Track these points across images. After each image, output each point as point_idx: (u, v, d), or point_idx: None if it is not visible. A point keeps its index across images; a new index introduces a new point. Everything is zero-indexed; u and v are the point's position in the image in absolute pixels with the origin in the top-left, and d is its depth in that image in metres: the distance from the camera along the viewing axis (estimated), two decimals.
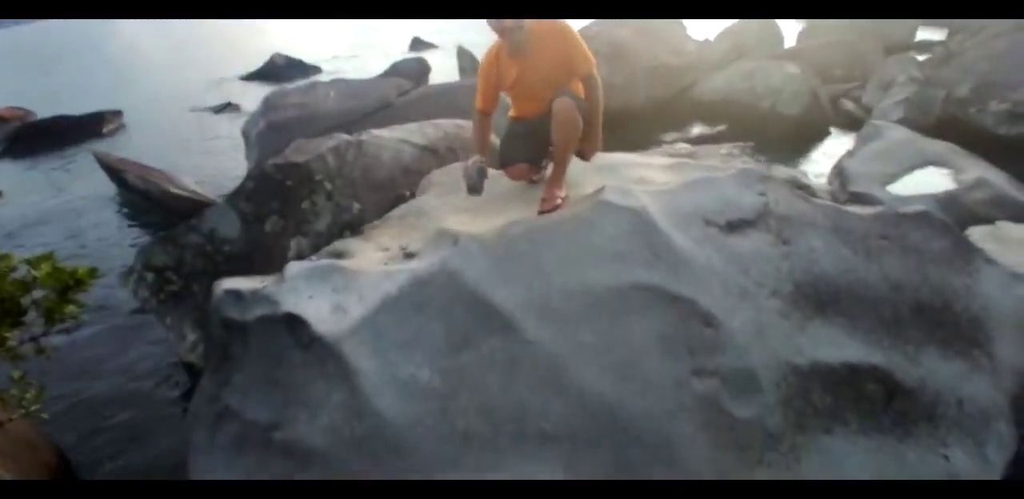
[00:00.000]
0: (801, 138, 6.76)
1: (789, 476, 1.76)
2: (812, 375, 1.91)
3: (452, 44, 12.36)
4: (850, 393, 1.93)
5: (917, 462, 1.86)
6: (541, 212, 2.42)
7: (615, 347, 1.91)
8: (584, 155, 2.71)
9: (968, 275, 2.30)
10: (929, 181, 4.27)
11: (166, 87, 15.29)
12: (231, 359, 2.00)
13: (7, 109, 11.94)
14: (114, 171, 7.20)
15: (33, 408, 2.23)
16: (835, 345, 1.98)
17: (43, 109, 11.89)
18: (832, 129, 7.07)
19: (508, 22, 2.44)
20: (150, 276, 3.73)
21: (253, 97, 10.39)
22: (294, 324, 1.90)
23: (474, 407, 1.81)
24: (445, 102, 6.53)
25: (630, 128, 7.15)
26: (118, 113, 11.66)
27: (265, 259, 3.58)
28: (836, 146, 6.45)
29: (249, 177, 3.84)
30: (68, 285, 2.09)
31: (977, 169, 4.32)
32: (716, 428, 1.80)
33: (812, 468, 1.79)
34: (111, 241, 6.16)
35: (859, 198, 4.02)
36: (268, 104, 7.28)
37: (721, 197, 2.30)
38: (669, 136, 7.19)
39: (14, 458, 2.53)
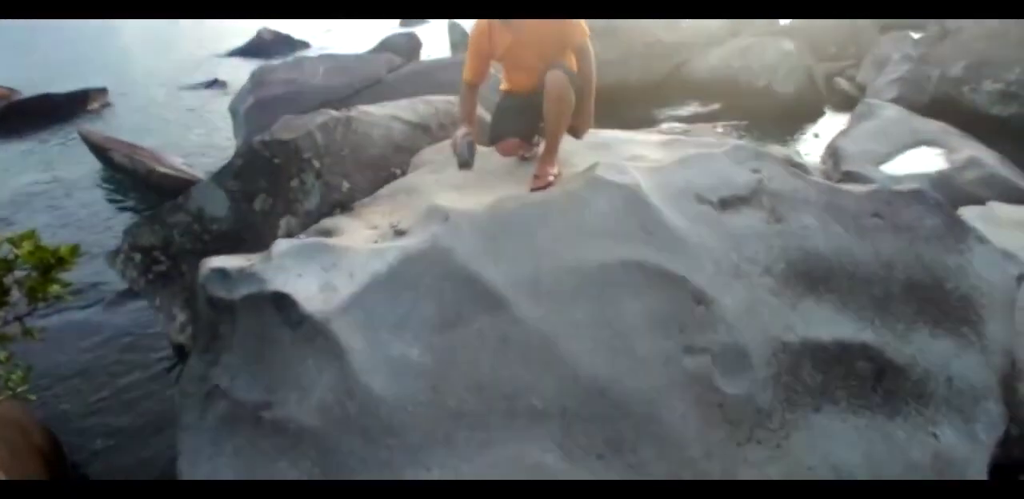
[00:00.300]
0: (795, 117, 6.72)
1: (778, 453, 1.78)
2: (803, 352, 1.92)
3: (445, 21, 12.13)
4: (840, 370, 1.94)
5: (906, 440, 1.88)
6: (533, 189, 2.39)
7: (606, 324, 1.90)
8: (576, 132, 2.67)
9: (960, 254, 2.29)
10: (922, 161, 4.26)
11: (152, 64, 14.98)
12: (219, 339, 1.97)
13: None
14: (100, 150, 7.08)
15: (20, 389, 2.20)
16: (826, 323, 1.98)
17: (28, 88, 11.62)
18: (826, 108, 7.03)
19: None
20: (137, 256, 3.68)
21: (240, 73, 10.17)
22: (282, 303, 1.87)
23: (465, 385, 1.80)
24: (437, 78, 6.42)
25: (624, 106, 7.07)
26: (103, 91, 11.42)
27: (254, 238, 3.53)
28: (830, 125, 6.42)
29: (237, 155, 3.77)
30: (50, 264, 2.05)
31: (970, 149, 4.32)
32: (706, 404, 1.80)
33: (801, 445, 1.80)
34: (98, 220, 6.09)
35: (852, 177, 4.02)
36: (255, 80, 7.13)
37: (715, 174, 2.28)
38: (663, 114, 7.13)
39: (3, 440, 2.51)
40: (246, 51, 14.67)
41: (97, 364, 3.79)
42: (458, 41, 10.01)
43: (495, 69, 2.83)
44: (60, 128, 9.67)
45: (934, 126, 4.63)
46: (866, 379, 1.95)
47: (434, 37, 12.01)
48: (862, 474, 1.80)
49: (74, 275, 4.84)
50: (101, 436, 3.16)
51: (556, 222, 2.09)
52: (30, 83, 12.09)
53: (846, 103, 6.71)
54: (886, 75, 6.26)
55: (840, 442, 1.83)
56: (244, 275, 1.95)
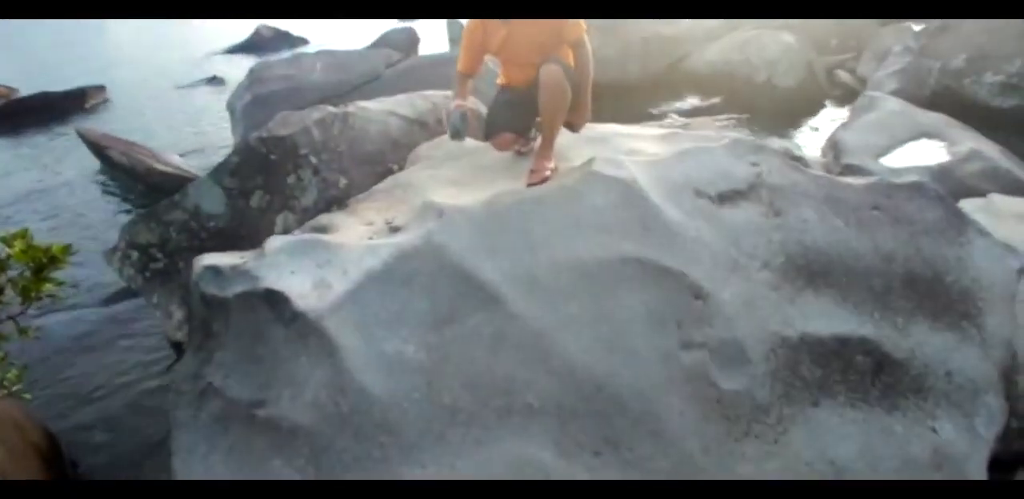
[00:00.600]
0: (796, 110, 6.69)
1: (775, 448, 1.76)
2: (801, 347, 1.90)
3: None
4: (839, 365, 1.92)
5: (904, 434, 1.86)
6: (530, 184, 2.37)
7: (603, 320, 1.88)
8: (573, 126, 2.65)
9: (960, 246, 2.27)
10: (923, 153, 4.23)
11: (150, 61, 14.94)
12: (213, 336, 1.96)
13: None
14: (98, 147, 7.06)
15: (15, 388, 2.20)
16: (825, 317, 1.96)
17: (26, 86, 11.61)
18: (827, 101, 6.99)
19: None
20: (134, 254, 3.67)
21: (239, 70, 10.16)
22: (275, 300, 1.86)
23: (460, 382, 1.79)
24: (435, 73, 6.39)
25: (623, 100, 7.04)
26: (101, 88, 11.40)
27: (251, 235, 3.52)
28: (831, 118, 6.39)
29: (233, 152, 3.75)
30: (43, 263, 2.04)
31: (970, 141, 4.29)
32: (703, 400, 1.79)
33: (799, 440, 1.79)
34: (96, 218, 6.08)
35: (853, 170, 3.99)
36: (253, 77, 7.11)
37: (713, 167, 2.26)
38: (663, 109, 7.10)
39: (1, 439, 2.51)
40: (244, 48, 14.64)
41: (95, 362, 3.78)
42: (456, 36, 9.98)
43: (493, 64, 2.80)
44: (58, 126, 9.65)
45: (935, 118, 4.60)
46: (865, 373, 1.93)
47: (432, 32, 11.96)
48: (860, 469, 1.79)
49: (72, 273, 4.85)
50: (100, 434, 3.16)
51: (552, 217, 2.07)
52: (28, 81, 12.08)
53: (847, 96, 6.68)
54: (887, 68, 6.22)
55: (838, 437, 1.81)
56: (237, 272, 1.93)
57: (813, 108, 6.82)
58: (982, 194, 3.72)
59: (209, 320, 1.98)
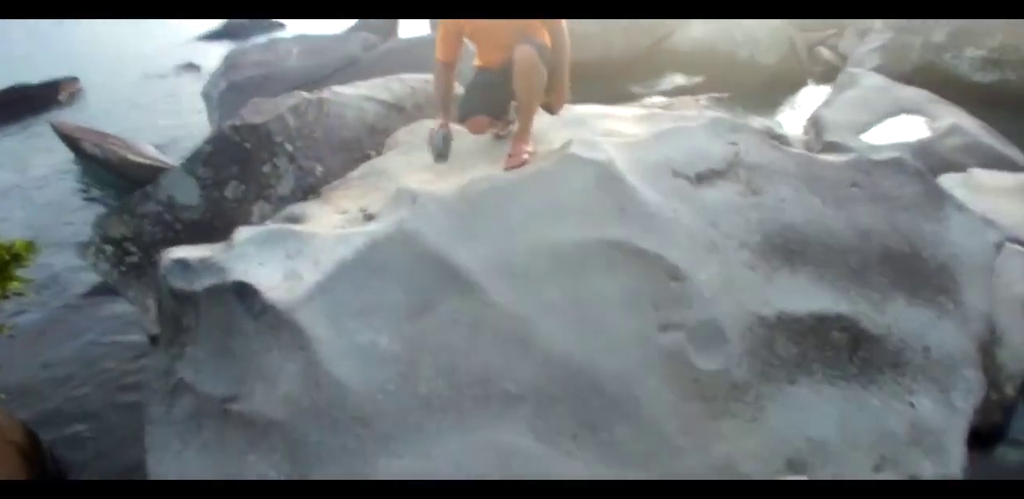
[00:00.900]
0: (779, 88, 6.65)
1: (753, 426, 1.77)
2: (778, 325, 1.90)
3: None
4: (816, 342, 1.92)
5: (881, 409, 1.87)
6: (507, 168, 2.33)
7: (580, 304, 1.87)
8: (551, 108, 2.60)
9: (938, 222, 2.27)
10: (904, 129, 4.22)
11: (124, 50, 14.59)
12: (183, 331, 1.92)
13: None
14: (71, 140, 6.92)
15: None
16: (802, 295, 1.96)
17: None
18: (809, 78, 6.96)
19: None
20: (108, 248, 3.59)
21: (214, 56, 9.92)
22: (244, 293, 1.82)
23: (437, 371, 1.77)
24: (414, 56, 6.26)
25: (607, 80, 6.96)
26: (74, 80, 11.13)
27: (227, 226, 3.42)
28: (813, 95, 6.36)
29: (206, 141, 3.67)
30: (6, 261, 1.99)
31: (951, 116, 4.29)
32: (681, 381, 1.78)
33: (776, 417, 1.79)
34: (72, 212, 5.97)
35: (833, 147, 3.98)
36: (228, 63, 6.96)
37: (691, 147, 2.23)
38: (646, 87, 7.04)
39: None
40: (220, 34, 14.32)
41: (72, 359, 3.73)
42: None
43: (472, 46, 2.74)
44: (32, 119, 9.43)
45: (916, 94, 4.58)
46: (841, 350, 1.93)
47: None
48: (837, 444, 1.80)
49: (47, 268, 4.75)
50: (80, 431, 3.13)
51: (528, 201, 2.04)
52: (0, 74, 11.77)
53: (829, 73, 6.64)
54: (868, 44, 6.19)
55: (815, 413, 1.82)
56: (205, 265, 1.89)
57: (795, 85, 6.79)
58: (962, 169, 3.73)
59: (179, 314, 1.94)
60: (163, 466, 1.78)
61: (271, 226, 2.06)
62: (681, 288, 1.88)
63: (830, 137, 4.15)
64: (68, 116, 8.96)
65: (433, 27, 9.79)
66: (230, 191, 3.56)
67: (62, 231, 5.58)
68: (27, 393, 3.41)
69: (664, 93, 6.67)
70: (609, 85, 6.82)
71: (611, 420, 1.73)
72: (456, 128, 2.81)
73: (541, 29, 2.43)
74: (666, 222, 2.00)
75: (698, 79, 7.05)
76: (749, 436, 1.76)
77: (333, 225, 2.20)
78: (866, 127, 4.23)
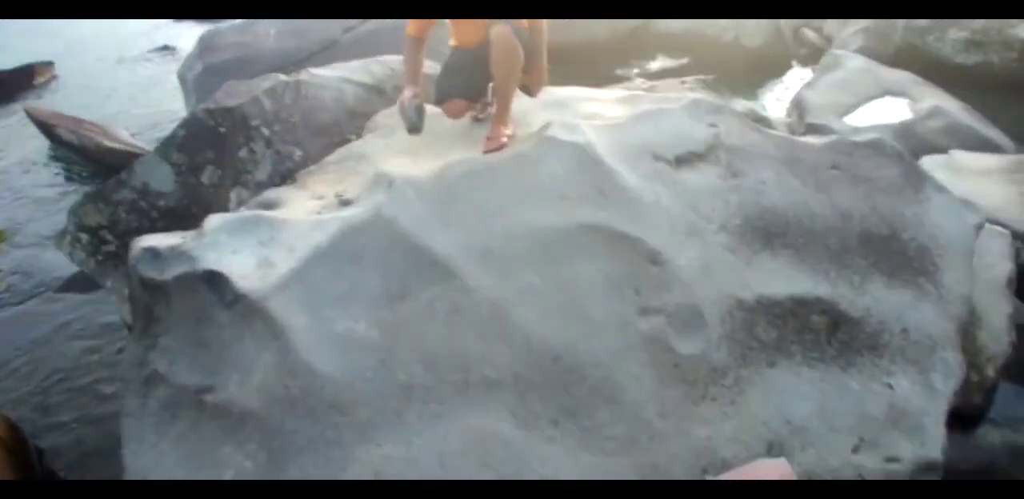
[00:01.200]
0: (763, 70, 6.62)
1: (732, 409, 1.77)
2: (757, 309, 1.89)
3: None
4: (795, 325, 1.92)
5: (860, 391, 1.88)
6: (486, 151, 2.28)
7: (560, 289, 1.85)
8: (530, 90, 2.56)
9: (918, 203, 2.27)
10: (886, 111, 4.22)
11: (99, 33, 14.19)
12: (156, 321, 1.88)
13: None
14: (46, 126, 6.75)
15: None
16: (781, 278, 1.95)
17: None
18: (793, 60, 6.94)
19: None
20: (84, 237, 3.52)
21: (190, 38, 9.66)
22: (215, 281, 1.78)
23: (415, 358, 1.74)
24: (396, 37, 6.08)
25: (592, 62, 6.89)
26: (49, 64, 10.83)
27: (204, 212, 3.32)
28: (797, 77, 6.35)
29: (179, 125, 3.58)
30: None
31: (933, 98, 4.29)
32: (661, 365, 1.78)
33: (755, 400, 1.79)
34: (48, 200, 5.85)
35: (816, 129, 3.97)
36: (203, 45, 6.79)
37: (671, 130, 2.20)
38: (631, 70, 6.98)
39: None
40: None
41: (52, 350, 3.68)
42: None
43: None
44: (6, 105, 9.19)
45: (899, 76, 4.58)
46: (820, 332, 1.94)
47: None
48: (816, 426, 1.80)
49: (24, 258, 4.66)
50: (64, 423, 3.10)
51: (506, 185, 2.00)
52: None
53: (813, 55, 6.62)
54: (852, 25, 6.16)
55: (794, 396, 1.82)
56: (175, 253, 1.84)
57: (780, 68, 6.76)
58: (944, 150, 3.74)
59: (150, 304, 1.90)
60: (139, 458, 1.75)
61: (243, 213, 2.01)
62: (661, 272, 1.87)
63: (813, 119, 4.14)
64: (43, 102, 8.74)
65: None
66: (206, 177, 3.48)
67: (39, 219, 5.48)
68: (6, 386, 3.36)
69: (649, 76, 6.61)
70: (593, 68, 6.74)
71: (592, 405, 1.72)
72: (433, 110, 2.76)
73: None
74: (646, 205, 1.98)
75: (683, 61, 7.00)
76: (729, 419, 1.76)
77: (308, 211, 2.15)
78: (849, 109, 4.22)
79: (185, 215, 3.41)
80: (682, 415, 1.74)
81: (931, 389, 2.00)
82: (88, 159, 6.27)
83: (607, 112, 2.56)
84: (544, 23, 2.40)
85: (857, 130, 3.84)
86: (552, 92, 2.78)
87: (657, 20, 7.76)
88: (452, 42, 2.61)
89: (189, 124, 3.48)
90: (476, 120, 2.66)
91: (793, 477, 1.53)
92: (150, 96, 8.64)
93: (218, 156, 3.45)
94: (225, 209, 3.37)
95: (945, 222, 2.27)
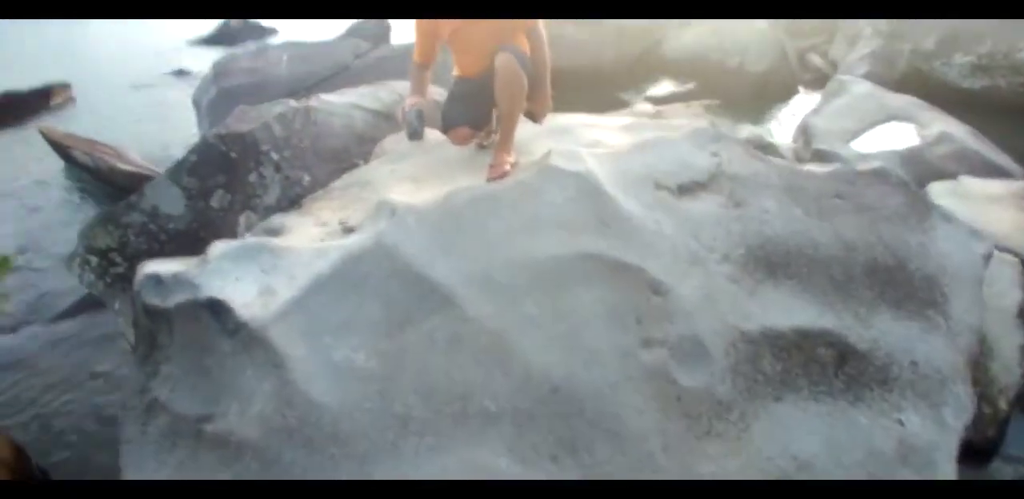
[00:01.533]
0: (769, 95, 6.67)
1: (738, 446, 1.73)
2: (762, 341, 1.87)
3: None
4: (800, 358, 1.89)
5: (869, 427, 1.84)
6: (489, 179, 2.30)
7: (561, 319, 1.84)
8: (534, 117, 2.58)
9: (923, 233, 2.24)
10: (892, 136, 4.22)
11: (117, 55, 14.55)
12: (159, 348, 1.89)
13: None
14: (61, 147, 6.88)
15: None
16: (786, 309, 1.93)
17: None
18: (799, 85, 6.98)
19: None
20: (94, 259, 3.55)
21: (206, 62, 9.88)
22: (218, 309, 1.78)
23: (414, 389, 1.73)
24: (404, 63, 6.22)
25: (598, 87, 6.97)
26: (66, 86, 11.07)
27: (213, 236, 3.38)
28: (803, 102, 6.38)
29: (191, 150, 3.64)
30: None
31: (940, 123, 4.28)
32: (664, 399, 1.75)
33: (761, 436, 1.76)
34: (60, 221, 5.92)
35: (823, 155, 3.97)
36: (218, 70, 6.94)
37: (673, 158, 2.20)
38: (637, 94, 7.05)
39: None
40: (213, 39, 14.31)
41: (59, 371, 3.70)
42: None
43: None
44: (23, 125, 9.37)
45: (905, 101, 4.59)
46: (827, 366, 1.90)
47: (404, 21, 11.74)
48: (823, 463, 1.76)
49: (35, 279, 4.70)
50: (68, 445, 3.10)
51: (508, 214, 2.01)
52: None
53: (819, 80, 6.67)
54: (857, 51, 6.21)
55: (801, 431, 1.79)
56: (178, 281, 1.85)
57: (786, 92, 6.81)
58: (952, 176, 3.72)
59: (154, 331, 1.90)
60: None
61: (247, 240, 2.03)
62: (663, 302, 1.85)
63: (819, 145, 4.14)
64: (59, 123, 8.91)
65: None
66: (216, 201, 3.52)
67: (51, 239, 5.55)
68: (11, 406, 3.37)
69: (655, 100, 6.67)
70: (600, 92, 6.82)
71: (592, 439, 1.69)
72: (439, 137, 2.79)
73: (520, 36, 2.41)
74: (648, 234, 1.97)
75: (689, 86, 7.06)
76: (734, 455, 1.73)
77: (312, 238, 2.16)
78: (855, 135, 4.22)
79: (194, 238, 3.44)
80: (686, 450, 1.71)
81: (942, 424, 1.95)
82: (101, 180, 6.37)
83: (610, 140, 2.58)
84: (546, 51, 2.43)
85: (864, 156, 3.84)
86: (556, 119, 2.81)
87: (662, 45, 7.86)
88: (456, 72, 2.65)
89: (200, 149, 3.54)
90: (481, 147, 2.68)
91: None
92: (164, 119, 8.81)
93: (228, 180, 3.50)
94: (233, 233, 3.41)
95: (952, 252, 2.25)
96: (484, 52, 2.38)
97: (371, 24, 10.40)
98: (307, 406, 1.68)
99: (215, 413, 1.75)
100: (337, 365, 1.73)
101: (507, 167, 2.34)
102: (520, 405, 1.72)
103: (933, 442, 1.90)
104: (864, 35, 6.42)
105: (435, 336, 1.80)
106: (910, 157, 3.92)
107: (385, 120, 3.93)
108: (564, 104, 2.90)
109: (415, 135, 2.36)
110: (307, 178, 3.62)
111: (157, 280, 1.88)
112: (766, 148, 3.04)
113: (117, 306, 3.56)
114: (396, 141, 3.27)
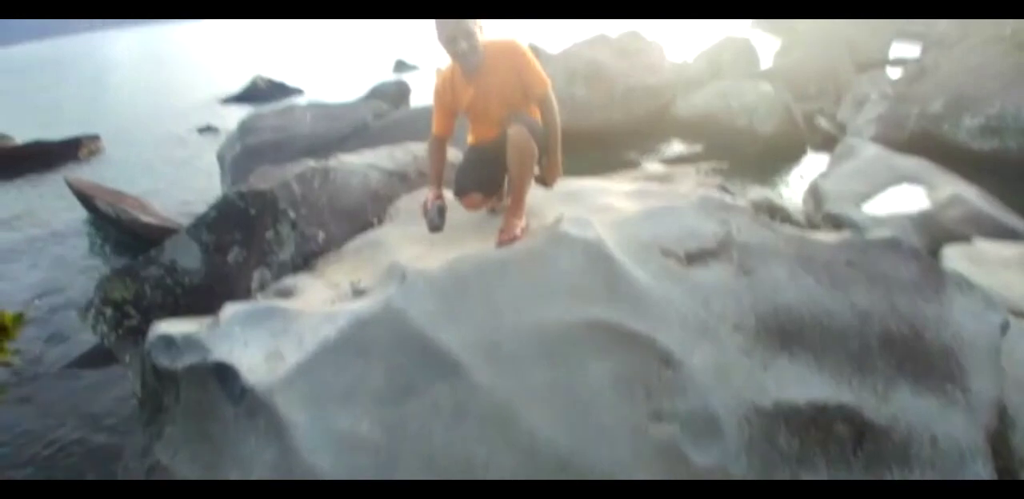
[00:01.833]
0: (777, 156, 6.76)
1: None
2: (777, 416, 1.82)
3: (435, 66, 12.44)
4: (818, 435, 1.83)
5: None
6: (499, 243, 2.33)
7: (569, 390, 1.81)
8: (546, 182, 2.64)
9: (939, 303, 2.21)
10: (903, 199, 4.23)
11: (147, 110, 15.24)
12: (163, 410, 1.88)
13: None
14: (85, 197, 7.09)
15: None
16: (801, 383, 1.89)
17: (21, 134, 11.78)
18: (808, 146, 7.08)
19: (463, 45, 2.38)
20: (108, 311, 3.59)
21: (234, 120, 10.34)
22: (225, 374, 1.78)
23: (417, 460, 1.69)
24: (422, 124, 6.45)
25: (608, 148, 7.13)
26: (96, 138, 11.56)
27: (227, 291, 3.45)
28: (811, 164, 6.45)
29: (212, 206, 3.75)
30: None
31: (951, 185, 4.31)
32: (676, 477, 1.69)
33: None
34: (79, 271, 6.04)
35: (833, 219, 3.98)
36: (244, 127, 7.22)
37: (681, 226, 2.23)
38: (647, 156, 7.18)
39: None
40: (241, 97, 14.97)
41: (66, 425, 3.68)
42: None
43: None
44: (52, 175, 9.72)
45: (914, 163, 4.63)
46: (845, 442, 1.84)
47: (424, 83, 12.25)
48: None
49: (50, 329, 4.75)
50: None
51: (516, 281, 2.02)
52: (23, 129, 12.25)
53: (827, 142, 6.76)
54: (865, 113, 6.33)
55: None
56: (188, 343, 1.87)
57: (794, 154, 6.90)
58: (965, 238, 3.70)
59: (160, 392, 1.90)
60: None
61: (258, 303, 2.05)
62: (674, 375, 1.82)
63: (829, 208, 4.16)
64: (87, 173, 9.24)
65: None
66: (232, 257, 3.58)
67: (70, 288, 5.63)
68: (15, 456, 3.34)
69: (665, 160, 6.79)
70: (609, 153, 6.97)
71: None
72: (450, 199, 2.86)
73: (531, 106, 2.51)
74: (657, 303, 1.97)
75: (698, 147, 7.20)
76: None
77: (323, 300, 2.18)
78: (866, 197, 4.25)
79: (208, 293, 3.47)
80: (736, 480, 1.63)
81: None
82: (123, 231, 6.52)
83: (620, 205, 2.62)
84: (557, 119, 2.50)
85: (876, 220, 3.84)
86: (567, 183, 2.86)
87: (671, 106, 8.09)
88: (470, 139, 2.75)
89: (221, 205, 3.64)
90: (492, 211, 2.73)
91: None
92: (190, 173, 9.10)
93: (245, 237, 3.57)
94: (247, 288, 3.44)
95: (968, 323, 2.21)
96: (497, 120, 2.48)
97: (391, 86, 10.85)
98: (308, 476, 1.64)
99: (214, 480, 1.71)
100: (339, 434, 1.71)
101: (517, 232, 2.38)
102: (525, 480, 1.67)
103: None
104: (871, 98, 6.57)
105: (439, 405, 1.78)
106: (923, 220, 3.92)
107: (400, 180, 4.03)
108: (574, 164, 2.96)
109: (436, 230, 2.47)
110: (322, 235, 3.69)
111: (168, 341, 1.89)
112: (776, 211, 3.04)
113: (127, 359, 3.57)
114: (410, 200, 3.35)
